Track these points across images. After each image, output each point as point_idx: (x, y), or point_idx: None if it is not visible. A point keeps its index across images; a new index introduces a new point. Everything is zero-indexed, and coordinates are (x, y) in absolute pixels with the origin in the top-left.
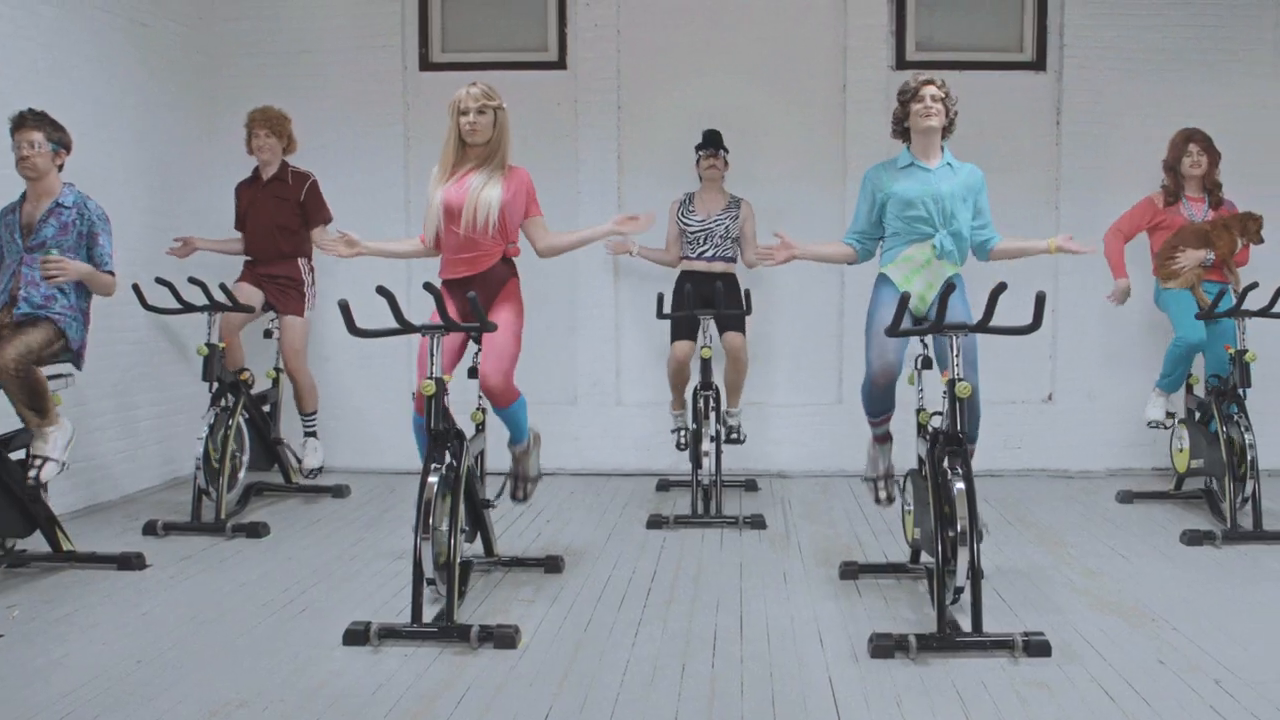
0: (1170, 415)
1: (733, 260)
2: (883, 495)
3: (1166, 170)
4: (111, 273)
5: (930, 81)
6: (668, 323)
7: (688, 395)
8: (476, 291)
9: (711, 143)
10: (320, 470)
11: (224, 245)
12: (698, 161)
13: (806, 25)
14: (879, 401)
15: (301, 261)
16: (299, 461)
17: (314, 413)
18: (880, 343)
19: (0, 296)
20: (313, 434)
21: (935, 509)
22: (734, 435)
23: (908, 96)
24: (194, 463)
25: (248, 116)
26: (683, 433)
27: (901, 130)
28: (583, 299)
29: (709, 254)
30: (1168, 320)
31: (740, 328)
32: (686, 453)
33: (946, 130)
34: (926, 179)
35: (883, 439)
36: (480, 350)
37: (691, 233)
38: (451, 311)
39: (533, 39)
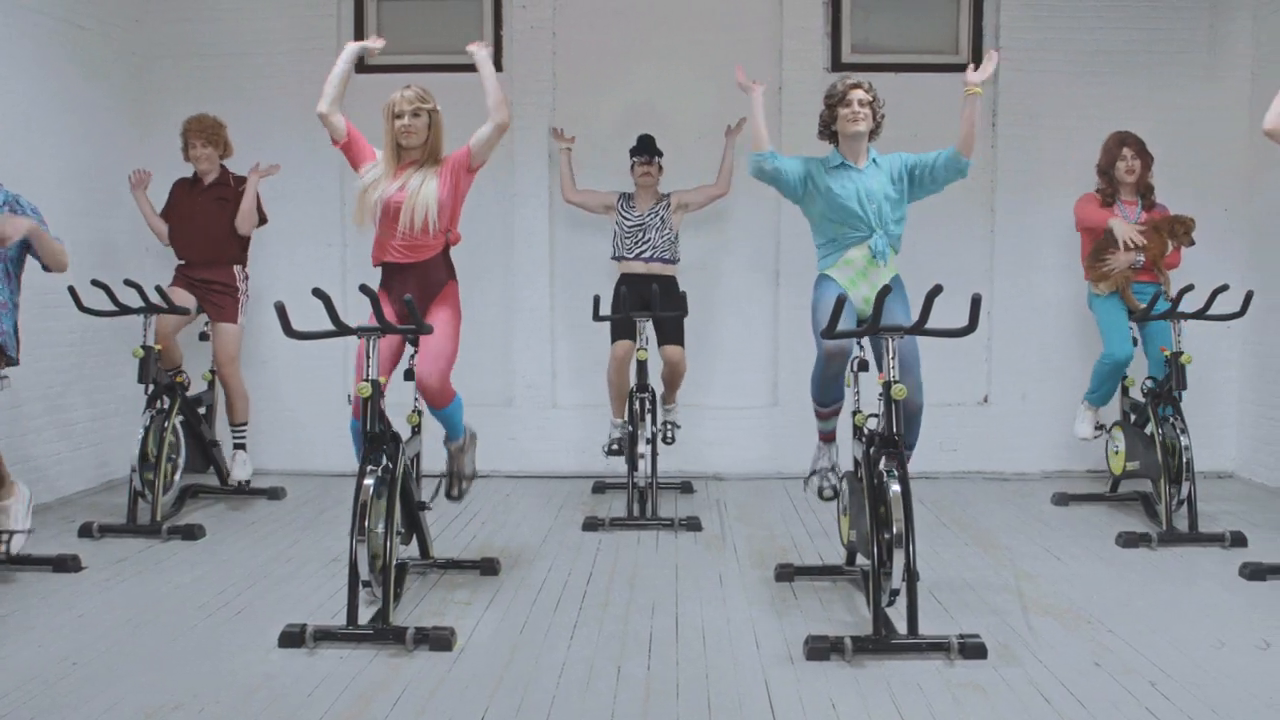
0: (1100, 428)
1: (671, 262)
2: (826, 486)
3: (1100, 174)
4: (60, 241)
5: (858, 85)
6: (605, 325)
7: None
8: (416, 289)
9: (645, 149)
10: (249, 482)
11: (151, 219)
12: (632, 167)
13: (742, 27)
14: (830, 387)
15: (236, 268)
16: (228, 471)
17: (244, 424)
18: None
19: None
20: (242, 446)
21: (871, 511)
22: (668, 437)
23: (835, 100)
24: (130, 465)
25: (183, 125)
26: (617, 443)
27: (829, 133)
28: (519, 301)
29: (646, 254)
30: (1099, 331)
31: (679, 340)
32: (619, 456)
33: (873, 134)
34: (857, 179)
35: (829, 438)
36: (416, 352)
37: (629, 227)
38: (388, 313)
39: (468, 41)
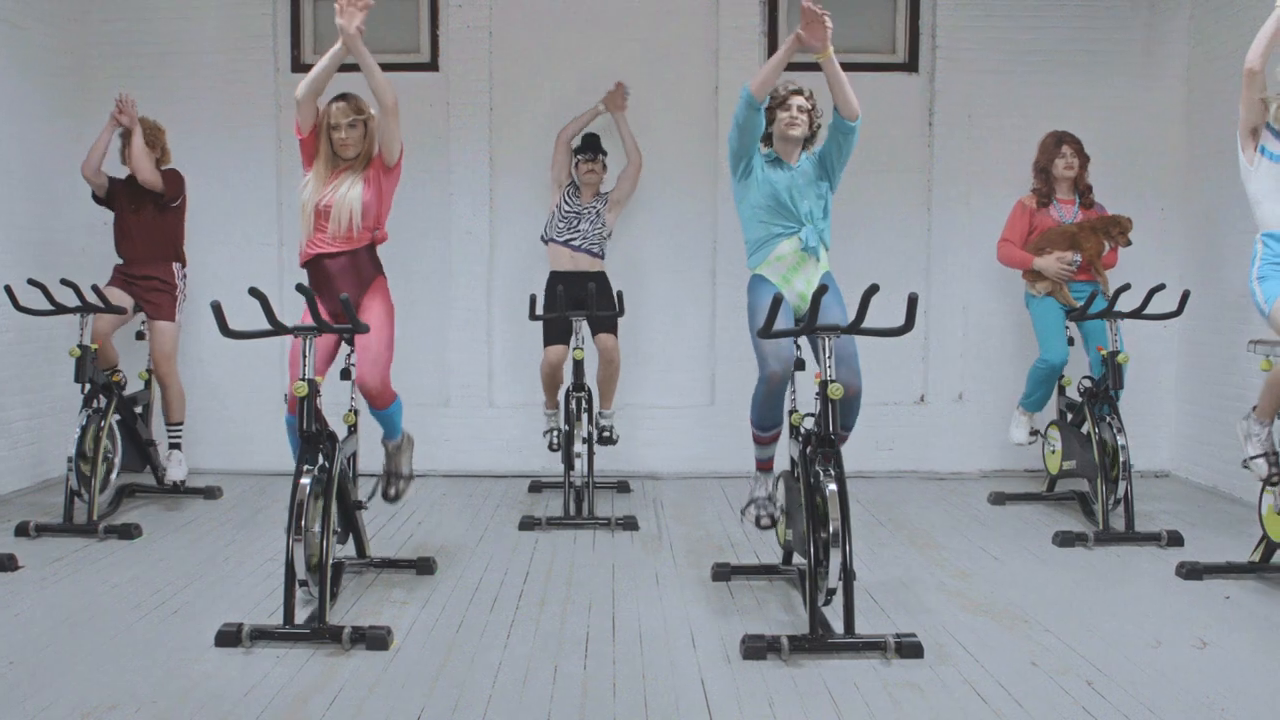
0: (1035, 434)
1: (598, 256)
2: (764, 515)
3: (1037, 172)
4: None
5: (799, 92)
6: (540, 325)
7: (560, 396)
8: (345, 280)
9: (591, 148)
10: (183, 482)
11: (97, 154)
12: (576, 165)
13: (679, 27)
14: (771, 409)
15: (175, 265)
16: (162, 471)
17: (180, 423)
18: (770, 340)
19: None
20: (177, 446)
21: (807, 510)
22: (606, 435)
23: (775, 103)
24: (66, 464)
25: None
26: (555, 433)
27: (765, 134)
28: (456, 301)
29: (576, 242)
30: (1035, 333)
31: (613, 329)
32: (559, 454)
33: (809, 141)
34: (789, 174)
35: (766, 467)
36: (353, 351)
37: (565, 212)
38: (323, 313)
39: (405, 41)
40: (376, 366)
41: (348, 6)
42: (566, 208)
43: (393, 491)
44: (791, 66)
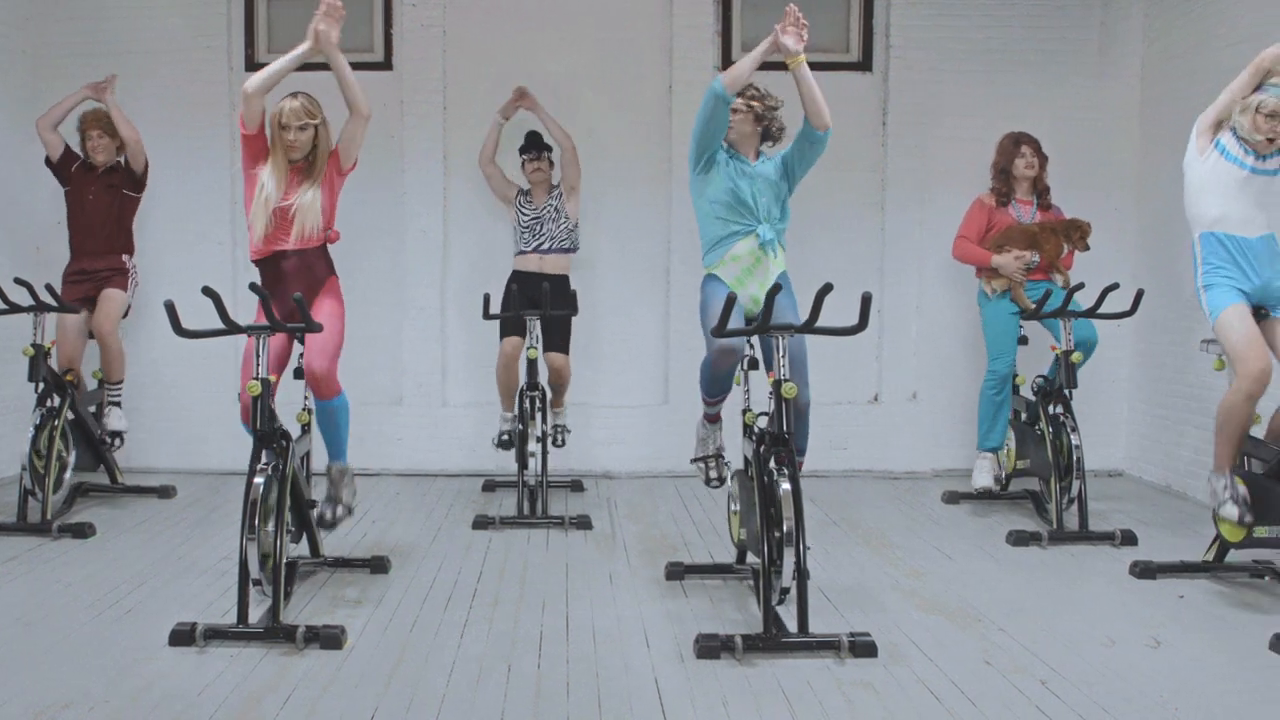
0: (999, 482)
1: (570, 250)
2: (714, 475)
3: (997, 173)
4: None
5: (740, 94)
6: (495, 323)
7: (516, 397)
8: (299, 279)
9: (533, 145)
10: (122, 435)
11: (58, 114)
12: (523, 165)
13: (633, 27)
14: (720, 382)
15: (125, 257)
16: (100, 426)
17: (120, 382)
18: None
19: None
20: (117, 403)
21: (761, 510)
22: (558, 440)
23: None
24: (20, 463)
25: (80, 119)
26: (506, 435)
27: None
28: (409, 300)
29: (545, 246)
30: (985, 340)
31: (564, 347)
32: (511, 452)
33: (767, 136)
34: (748, 171)
35: (714, 419)
36: (304, 350)
37: (527, 221)
38: (277, 313)
39: (358, 39)
40: (325, 352)
41: (327, 15)
42: (525, 216)
43: (329, 516)
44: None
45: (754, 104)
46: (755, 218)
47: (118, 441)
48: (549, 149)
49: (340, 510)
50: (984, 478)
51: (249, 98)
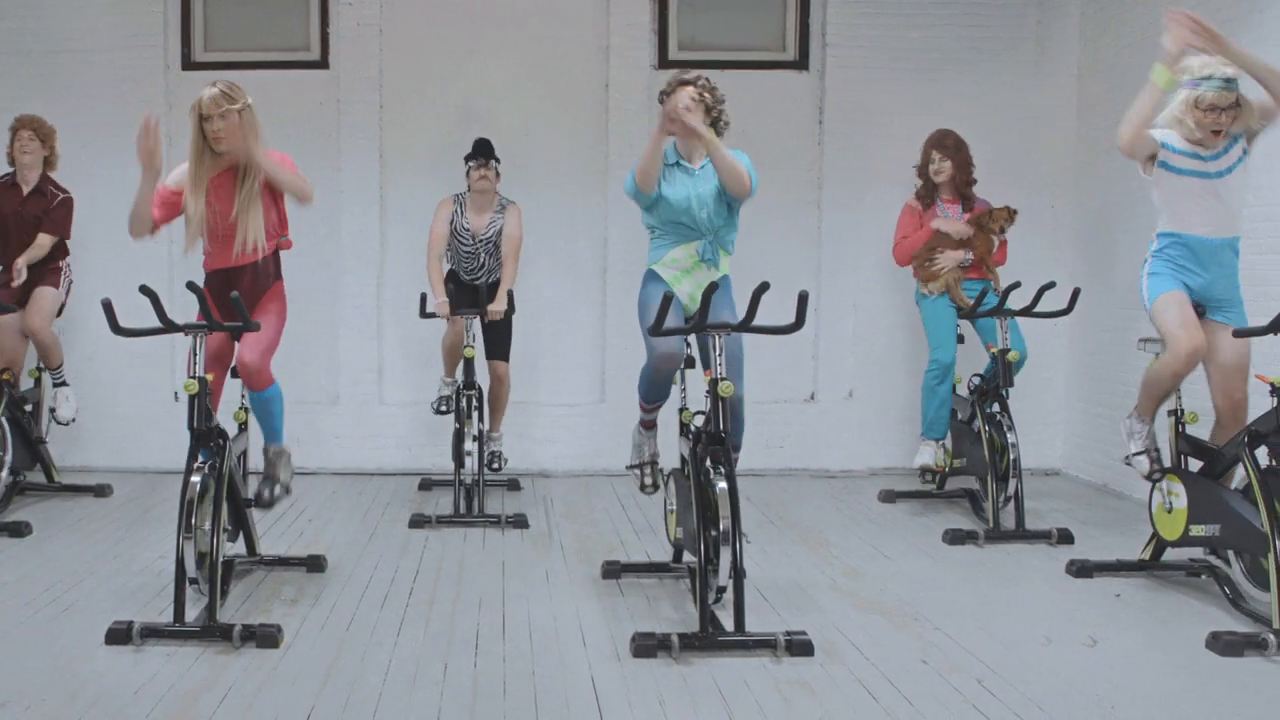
0: (941, 463)
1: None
2: (648, 481)
3: (919, 174)
4: None
5: (687, 82)
6: (432, 322)
7: (457, 374)
8: (248, 285)
9: (482, 153)
10: (73, 420)
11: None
12: (468, 172)
13: (569, 24)
14: (659, 388)
15: (63, 263)
16: (53, 414)
17: (60, 365)
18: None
19: None
20: (63, 384)
21: (698, 509)
22: (494, 464)
23: (665, 95)
24: None
25: (15, 121)
26: (443, 400)
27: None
28: (345, 299)
29: (482, 277)
30: (925, 333)
31: (504, 355)
32: (448, 448)
33: (713, 126)
34: (690, 182)
35: (650, 425)
36: (239, 342)
37: (465, 252)
38: (215, 312)
39: (295, 39)
40: (259, 345)
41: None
42: (464, 247)
43: (266, 494)
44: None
45: (705, 95)
46: (699, 231)
47: (72, 421)
48: (498, 160)
49: (278, 489)
50: (926, 457)
51: (138, 223)
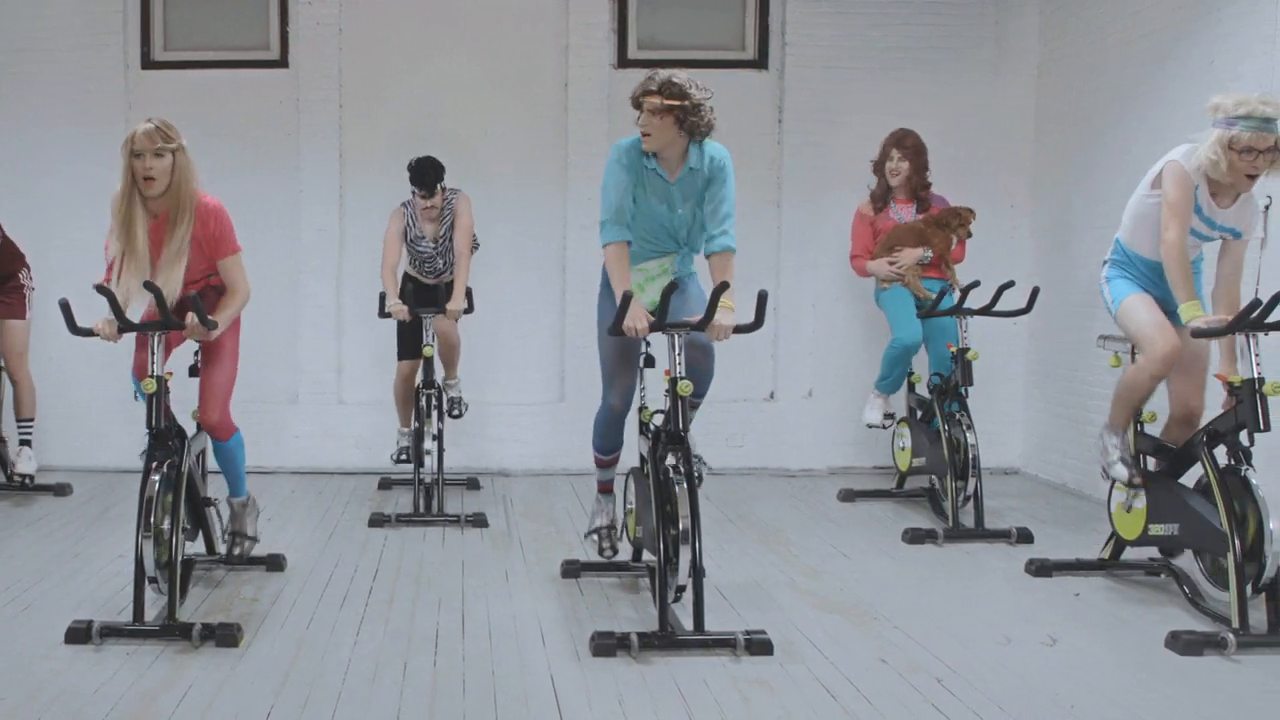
0: (889, 417)
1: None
2: (606, 547)
3: (876, 172)
4: None
5: (652, 92)
6: (391, 324)
7: (413, 411)
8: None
9: (425, 185)
10: (33, 478)
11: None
12: (413, 193)
13: (529, 23)
14: (612, 435)
15: (22, 271)
16: (12, 465)
17: (31, 420)
18: (613, 361)
19: None
20: (27, 442)
21: (657, 507)
22: (454, 411)
23: (633, 103)
24: None
25: None
26: (402, 451)
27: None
28: (304, 298)
29: (440, 272)
30: (887, 319)
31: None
32: (407, 465)
33: (694, 133)
34: (667, 194)
35: (606, 489)
36: (200, 350)
37: (424, 257)
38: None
39: (254, 38)
40: (216, 402)
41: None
42: (422, 254)
43: (238, 551)
44: (639, 63)
45: (673, 104)
46: (676, 245)
47: (28, 481)
48: (441, 186)
49: (247, 545)
50: (873, 414)
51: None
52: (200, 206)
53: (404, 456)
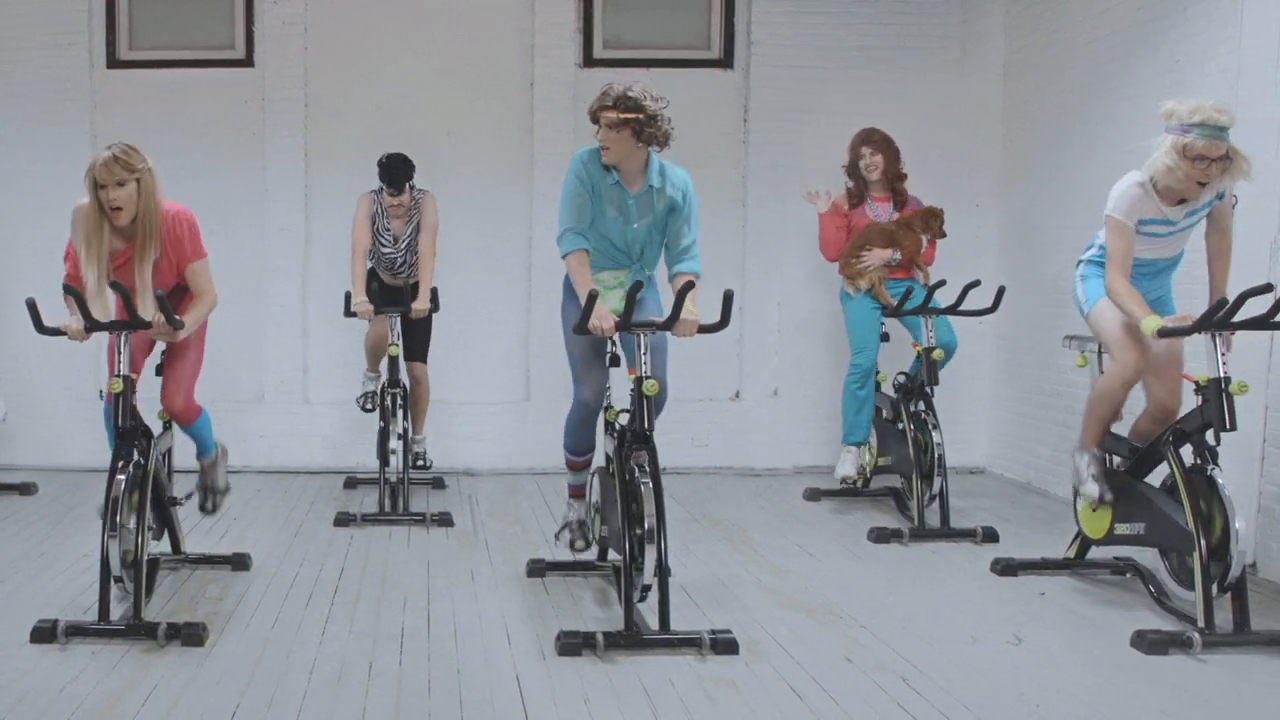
0: (862, 471)
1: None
2: (577, 538)
3: (848, 173)
4: None
5: (608, 107)
6: (357, 321)
7: (381, 368)
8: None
9: (394, 183)
10: (4, 418)
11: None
12: (380, 191)
13: (494, 22)
14: (584, 434)
15: None
16: None
17: None
18: (583, 359)
19: None
20: None
21: (622, 507)
22: (420, 463)
23: (591, 118)
24: None
25: None
26: (368, 397)
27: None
28: (270, 297)
29: (404, 273)
30: (847, 332)
31: (423, 356)
32: (373, 444)
33: (653, 143)
34: (625, 207)
35: (578, 493)
36: (166, 347)
37: (387, 256)
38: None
39: (220, 37)
40: (179, 390)
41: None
42: (386, 253)
43: (209, 505)
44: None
45: (629, 117)
46: (629, 258)
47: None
48: (411, 185)
49: (219, 498)
50: (847, 468)
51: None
52: (167, 216)
53: (369, 405)
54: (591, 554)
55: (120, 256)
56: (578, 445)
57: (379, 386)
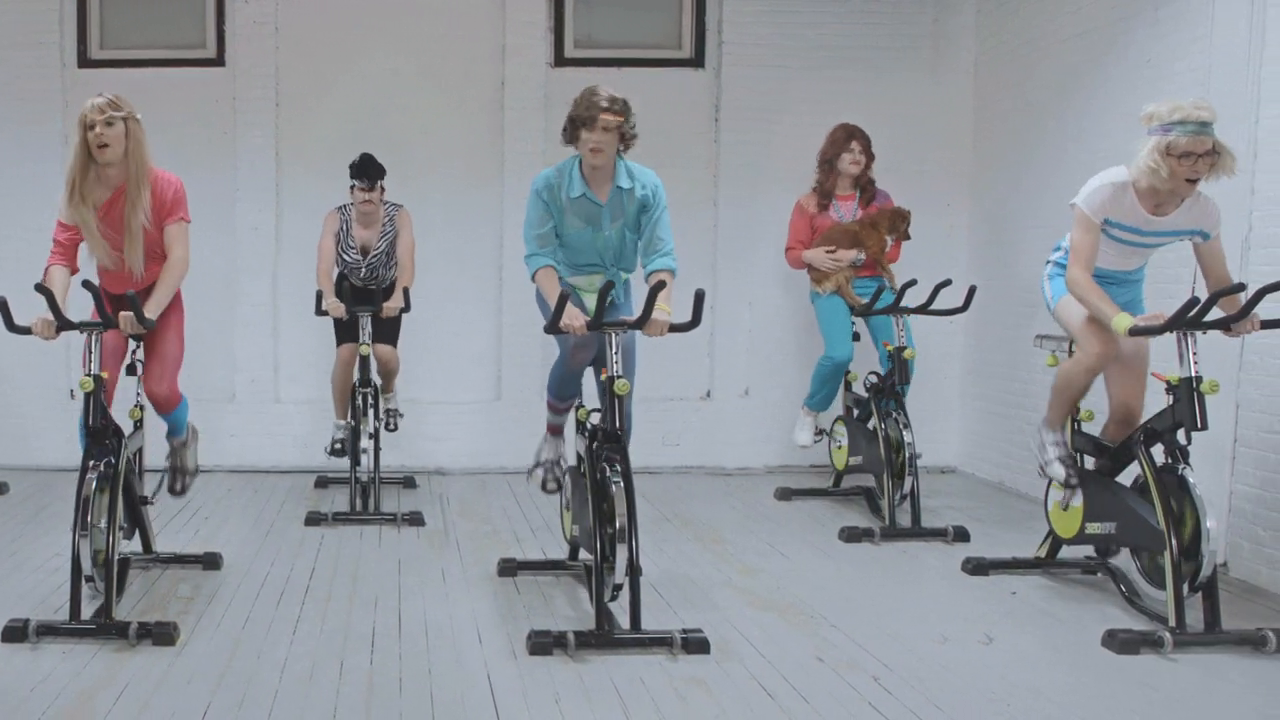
0: (820, 433)
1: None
2: (550, 479)
3: (821, 164)
4: None
5: (609, 110)
6: (328, 321)
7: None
8: (144, 292)
9: (366, 175)
10: None
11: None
12: (352, 189)
13: (466, 22)
14: (569, 384)
15: None
16: None
17: None
18: (572, 345)
19: None
20: None
21: (594, 506)
22: (390, 424)
23: (580, 120)
24: None
25: None
26: (337, 443)
27: (574, 136)
28: (241, 295)
29: (373, 283)
30: (820, 329)
31: (392, 339)
32: (342, 457)
33: (625, 144)
34: (595, 216)
35: (557, 431)
36: (139, 347)
37: (353, 267)
38: (111, 310)
39: (191, 36)
40: (164, 378)
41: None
42: (350, 264)
43: (179, 486)
44: (575, 62)
45: (620, 119)
46: (604, 263)
47: None
48: (382, 184)
49: (189, 479)
50: (804, 434)
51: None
52: (157, 178)
53: (339, 448)
54: (563, 549)
55: (106, 205)
56: (562, 391)
57: (347, 433)
